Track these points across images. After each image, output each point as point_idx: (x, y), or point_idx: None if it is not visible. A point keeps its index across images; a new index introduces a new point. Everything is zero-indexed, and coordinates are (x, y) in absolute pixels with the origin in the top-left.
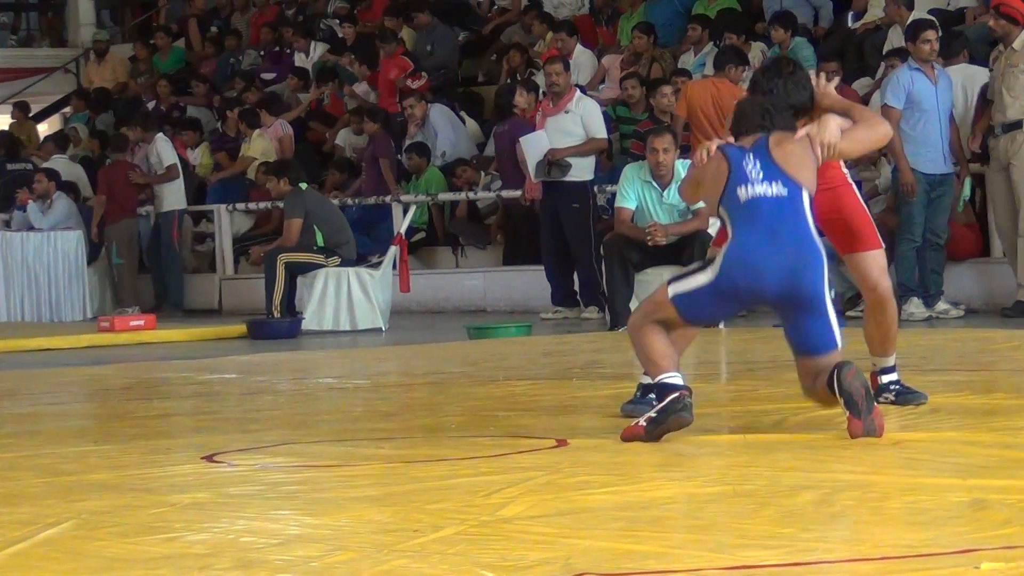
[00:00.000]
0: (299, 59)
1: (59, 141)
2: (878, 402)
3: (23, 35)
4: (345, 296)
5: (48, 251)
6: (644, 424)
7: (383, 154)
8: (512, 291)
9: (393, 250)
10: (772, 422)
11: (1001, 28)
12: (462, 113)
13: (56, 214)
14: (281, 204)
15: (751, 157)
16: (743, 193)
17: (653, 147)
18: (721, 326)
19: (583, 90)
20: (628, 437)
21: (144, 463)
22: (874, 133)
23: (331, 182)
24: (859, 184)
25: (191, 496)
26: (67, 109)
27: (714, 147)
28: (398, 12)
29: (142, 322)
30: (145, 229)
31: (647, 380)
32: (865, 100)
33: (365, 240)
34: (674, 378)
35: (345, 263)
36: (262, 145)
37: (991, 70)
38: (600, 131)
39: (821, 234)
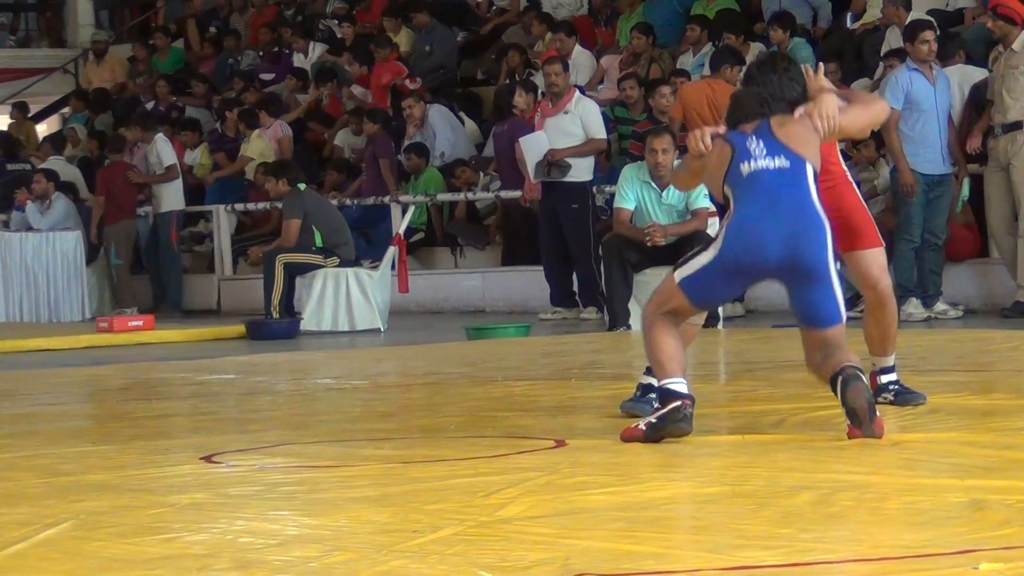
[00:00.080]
0: (298, 59)
1: (56, 142)
2: (877, 402)
3: (22, 35)
4: (344, 296)
5: (47, 251)
6: (643, 428)
7: (383, 155)
8: (511, 291)
9: (392, 250)
10: (771, 423)
11: (999, 29)
12: (461, 114)
13: (55, 215)
14: (280, 205)
15: (754, 138)
16: (746, 168)
17: (652, 148)
18: (720, 326)
19: (582, 91)
20: (627, 438)
21: (143, 463)
22: (871, 110)
23: (329, 182)
24: (858, 184)
25: (190, 496)
26: (66, 109)
27: (707, 134)
28: (397, 12)
29: (141, 323)
30: (143, 229)
31: (647, 380)
32: None
33: (362, 244)
34: (678, 384)
35: (344, 264)
36: (260, 146)
37: (990, 71)
38: (599, 131)
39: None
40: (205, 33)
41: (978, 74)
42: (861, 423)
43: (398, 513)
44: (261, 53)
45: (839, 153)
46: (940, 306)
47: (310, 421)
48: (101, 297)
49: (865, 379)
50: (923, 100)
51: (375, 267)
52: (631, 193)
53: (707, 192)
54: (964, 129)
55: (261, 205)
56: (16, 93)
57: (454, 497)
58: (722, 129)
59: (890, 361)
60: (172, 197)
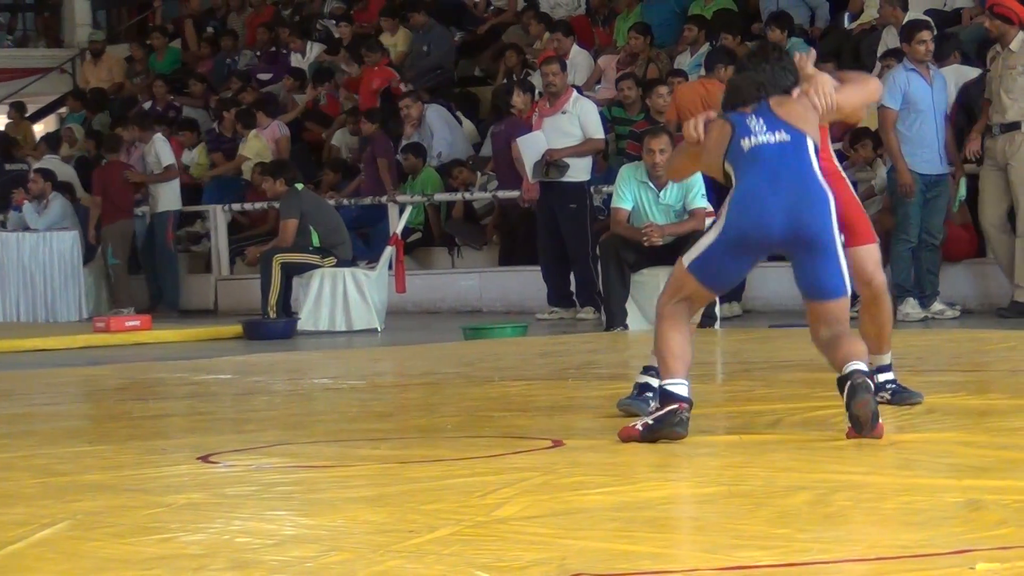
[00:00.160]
0: (295, 59)
1: (51, 141)
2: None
3: (19, 35)
4: (341, 296)
5: (44, 251)
6: (640, 429)
7: (382, 154)
8: (508, 291)
9: (389, 250)
10: (768, 423)
11: (996, 28)
12: (458, 113)
13: (52, 215)
14: (277, 205)
15: (754, 116)
16: (746, 143)
17: (649, 148)
18: (717, 326)
19: (579, 91)
20: (624, 438)
21: (139, 463)
22: (865, 88)
23: (326, 182)
24: (855, 184)
25: (186, 497)
26: (63, 109)
27: (701, 121)
28: (394, 12)
29: (138, 322)
30: (140, 230)
31: (643, 379)
32: None
33: (360, 244)
34: (678, 386)
35: (341, 264)
36: (257, 145)
37: (988, 70)
38: (597, 131)
39: None
40: (202, 33)
41: (971, 74)
42: (863, 430)
43: (395, 513)
44: (258, 53)
45: (832, 151)
46: (937, 306)
47: (307, 421)
48: (98, 297)
49: (872, 387)
50: (920, 100)
51: (372, 267)
52: (628, 193)
53: (704, 192)
54: (973, 133)
55: (258, 205)
56: (13, 93)
57: (451, 497)
58: (714, 114)
59: (886, 359)
60: (169, 197)
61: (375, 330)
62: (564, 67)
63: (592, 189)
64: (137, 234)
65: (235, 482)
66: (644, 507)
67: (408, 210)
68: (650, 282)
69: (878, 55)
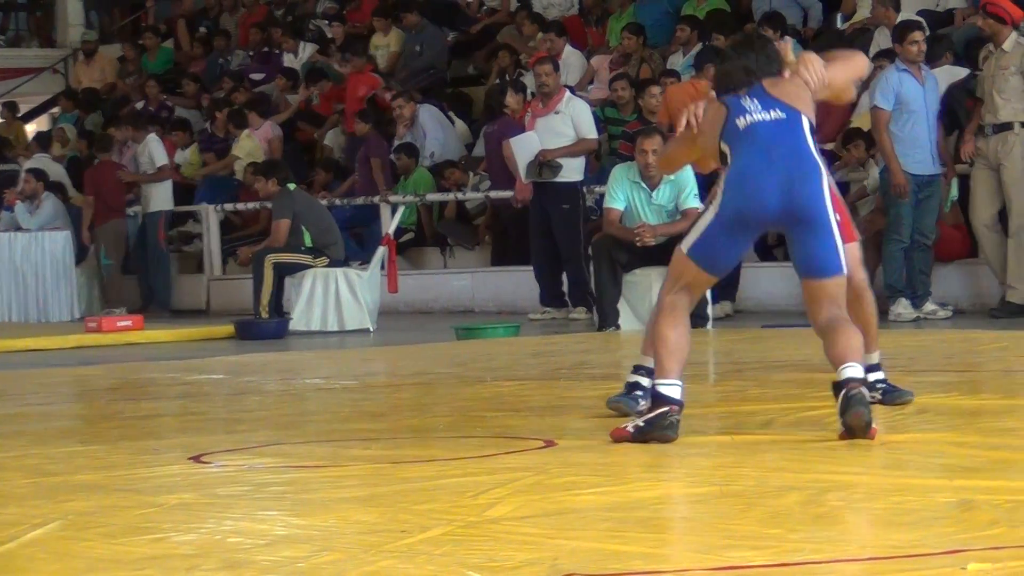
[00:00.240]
0: (288, 59)
1: (41, 140)
2: None
3: (11, 35)
4: (333, 296)
5: (36, 251)
6: (631, 430)
7: (375, 154)
8: (500, 292)
9: (381, 250)
10: (760, 423)
11: (989, 27)
12: (450, 114)
13: (44, 214)
14: (269, 205)
15: (748, 97)
16: (742, 122)
17: (642, 148)
18: (709, 327)
19: (572, 91)
20: (616, 438)
21: (131, 463)
22: (852, 63)
23: (318, 182)
24: (847, 185)
25: (178, 497)
26: (56, 109)
27: (700, 110)
28: (387, 12)
29: (130, 323)
30: (131, 229)
31: (634, 378)
32: (853, 102)
33: (353, 244)
34: (670, 388)
35: (333, 264)
36: (249, 145)
37: (980, 70)
38: (590, 131)
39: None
40: (195, 33)
41: (962, 75)
42: (854, 437)
43: (386, 513)
44: (251, 53)
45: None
46: (929, 306)
47: (299, 421)
48: (90, 297)
49: (867, 397)
50: (912, 101)
51: (364, 267)
52: (621, 193)
53: (697, 192)
54: (966, 134)
55: (251, 205)
56: (6, 93)
57: (443, 497)
58: (702, 106)
59: (875, 358)
60: (161, 197)
61: (367, 330)
62: (557, 67)
63: (585, 189)
64: (129, 234)
65: (227, 482)
66: (636, 507)
67: (400, 210)
68: (642, 282)
69: (870, 55)
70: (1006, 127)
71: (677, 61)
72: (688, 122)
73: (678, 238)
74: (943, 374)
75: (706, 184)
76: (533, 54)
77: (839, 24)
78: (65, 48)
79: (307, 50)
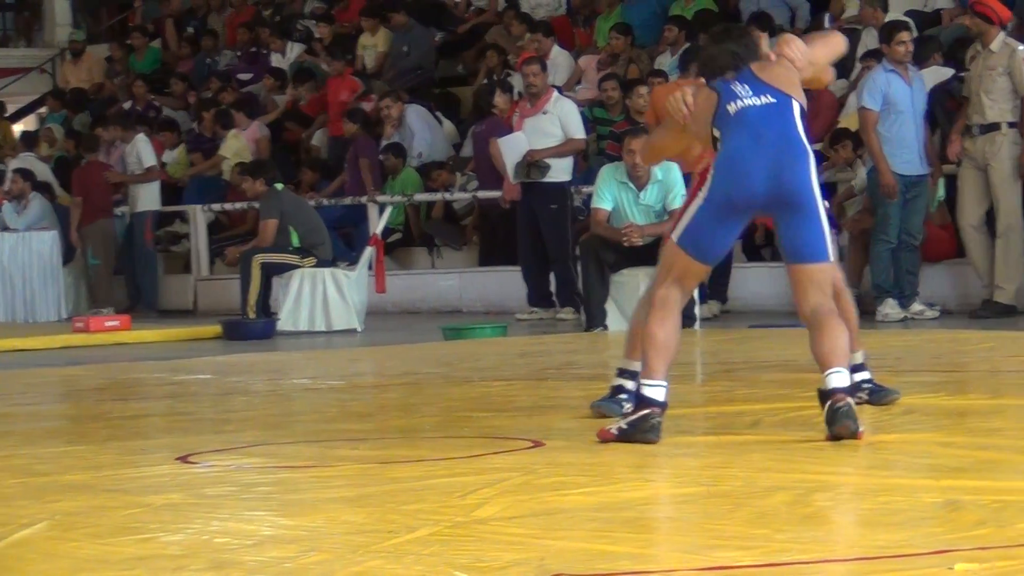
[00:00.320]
0: (276, 59)
1: (27, 139)
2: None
3: None
4: (320, 297)
5: (23, 251)
6: (615, 432)
7: (364, 155)
8: (488, 292)
9: (369, 251)
10: (747, 423)
11: (976, 26)
12: (438, 114)
13: (31, 214)
14: (257, 205)
15: (738, 83)
16: (732, 107)
17: (629, 148)
18: (697, 327)
19: (560, 91)
20: (603, 439)
21: (119, 464)
22: (831, 42)
23: (305, 182)
24: (835, 185)
25: (165, 497)
26: (43, 109)
27: (689, 93)
28: (374, 12)
29: (117, 323)
30: (119, 229)
31: (618, 382)
32: (841, 102)
33: (342, 244)
34: (654, 389)
35: (321, 264)
36: (236, 145)
37: (967, 69)
38: (578, 131)
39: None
40: (182, 33)
41: (947, 75)
42: (842, 439)
43: (374, 513)
44: (239, 53)
45: None
46: (916, 306)
47: (286, 421)
48: (77, 297)
49: (853, 409)
50: (900, 101)
51: (352, 268)
52: (608, 194)
53: (684, 193)
54: (952, 136)
55: (238, 205)
56: None
57: (430, 497)
58: (690, 91)
59: (859, 358)
60: (148, 197)
61: (355, 330)
62: (544, 67)
63: (573, 189)
64: (116, 234)
65: (214, 482)
66: (624, 507)
67: (388, 210)
68: (630, 282)
69: (858, 56)
70: (993, 127)
71: (665, 61)
72: (679, 109)
73: None
74: (930, 374)
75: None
76: (521, 54)
77: (826, 24)
78: (53, 48)
79: (295, 50)
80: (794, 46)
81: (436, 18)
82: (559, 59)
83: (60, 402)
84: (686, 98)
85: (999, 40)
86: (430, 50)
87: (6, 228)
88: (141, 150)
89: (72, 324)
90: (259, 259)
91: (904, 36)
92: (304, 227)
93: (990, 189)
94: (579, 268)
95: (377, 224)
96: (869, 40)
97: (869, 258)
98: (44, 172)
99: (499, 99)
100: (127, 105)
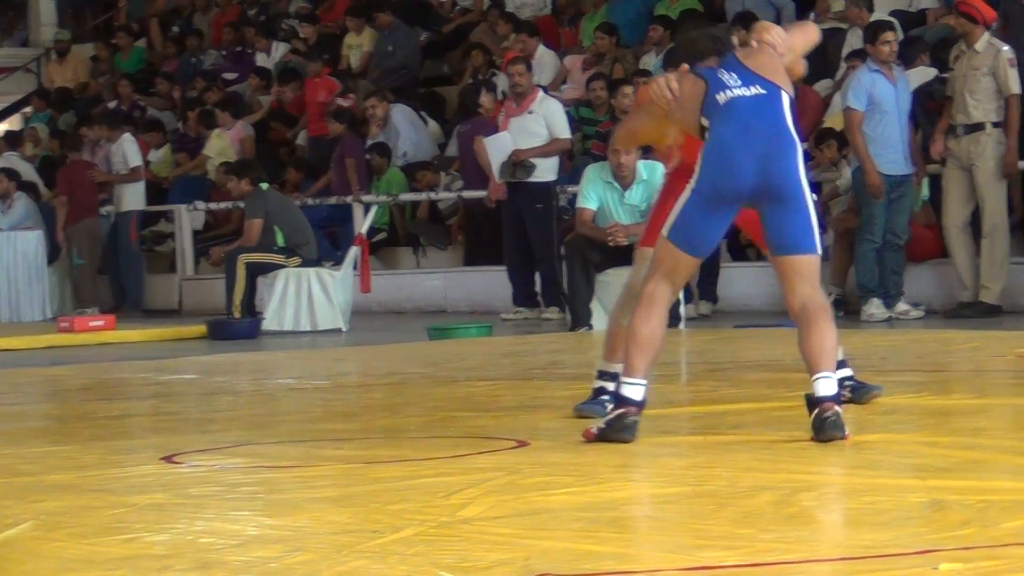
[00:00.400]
0: (261, 59)
1: (11, 139)
2: None
3: None
4: (305, 296)
5: (8, 251)
6: (595, 432)
7: (350, 154)
8: (473, 292)
9: (354, 250)
10: (732, 423)
11: (961, 26)
12: (423, 113)
13: (16, 214)
14: (242, 204)
15: (724, 71)
16: (722, 97)
17: (615, 148)
18: (682, 326)
19: (545, 91)
20: (587, 439)
21: (103, 464)
22: (805, 29)
23: (290, 182)
24: (820, 185)
25: (150, 497)
26: (28, 109)
27: (673, 80)
28: (359, 12)
29: (102, 322)
30: (104, 229)
31: (599, 384)
32: (826, 102)
33: (327, 244)
34: (633, 389)
35: (306, 263)
36: (220, 145)
37: (951, 69)
38: (564, 131)
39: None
40: (168, 32)
41: (931, 76)
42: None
43: (359, 513)
44: (224, 52)
45: None
46: (901, 306)
47: (271, 421)
48: (62, 297)
49: (840, 419)
50: (884, 101)
51: (337, 267)
52: (594, 193)
53: None
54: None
55: (223, 205)
56: None
57: (415, 497)
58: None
59: (840, 355)
60: (133, 197)
61: (340, 330)
62: (530, 67)
63: (558, 189)
64: (101, 234)
65: (199, 482)
66: (608, 507)
67: (373, 210)
68: (615, 282)
69: (843, 56)
70: (978, 127)
71: (650, 61)
72: (663, 94)
73: None
74: (915, 374)
75: None
76: (506, 54)
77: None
78: (37, 47)
79: (280, 50)
80: (773, 31)
81: (421, 18)
82: (544, 59)
83: (45, 402)
84: (670, 83)
85: (984, 40)
86: (415, 50)
87: None
88: (127, 150)
89: (57, 324)
90: (244, 259)
91: (889, 36)
92: (289, 227)
93: (975, 189)
94: (564, 268)
95: (362, 224)
96: (854, 40)
97: (854, 258)
98: (29, 172)
99: (484, 99)
100: (112, 105)
